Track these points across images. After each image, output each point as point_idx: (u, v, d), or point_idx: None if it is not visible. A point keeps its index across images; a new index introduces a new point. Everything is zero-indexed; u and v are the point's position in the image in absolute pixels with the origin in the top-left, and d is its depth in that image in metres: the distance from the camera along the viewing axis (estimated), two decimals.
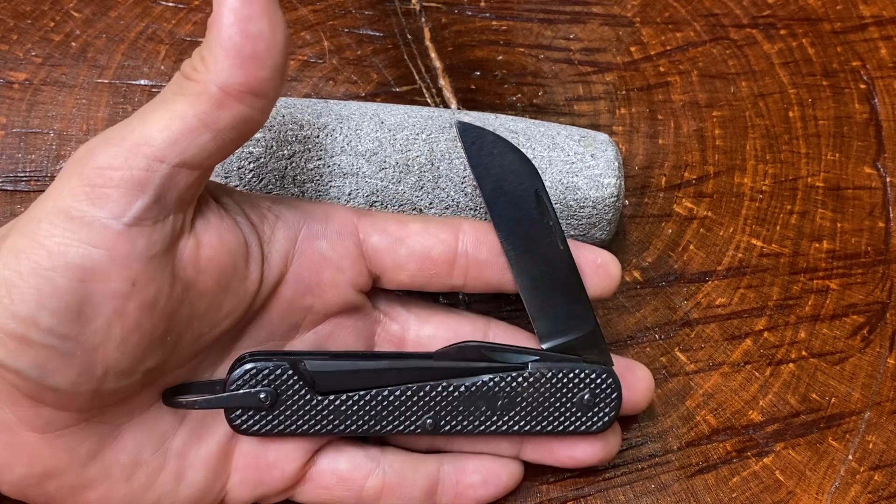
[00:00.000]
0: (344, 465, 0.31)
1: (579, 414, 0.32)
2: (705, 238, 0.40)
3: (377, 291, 0.33)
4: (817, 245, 0.41)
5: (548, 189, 0.35)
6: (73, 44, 0.40)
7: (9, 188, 0.37)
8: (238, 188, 0.33)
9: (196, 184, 0.27)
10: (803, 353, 0.38)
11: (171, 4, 0.42)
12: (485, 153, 0.32)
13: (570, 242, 0.32)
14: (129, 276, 0.26)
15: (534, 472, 0.34)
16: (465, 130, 0.32)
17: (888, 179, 0.43)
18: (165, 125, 0.26)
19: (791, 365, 0.38)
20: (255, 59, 0.26)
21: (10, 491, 0.28)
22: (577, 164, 0.35)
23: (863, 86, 0.45)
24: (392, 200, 0.34)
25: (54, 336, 0.25)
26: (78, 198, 0.25)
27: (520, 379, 0.31)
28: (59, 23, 0.40)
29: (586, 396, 0.31)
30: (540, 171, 0.34)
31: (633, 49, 0.45)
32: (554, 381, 0.31)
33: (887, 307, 0.40)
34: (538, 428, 0.31)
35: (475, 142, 0.32)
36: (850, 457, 0.36)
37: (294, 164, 0.33)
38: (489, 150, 0.32)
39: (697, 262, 0.40)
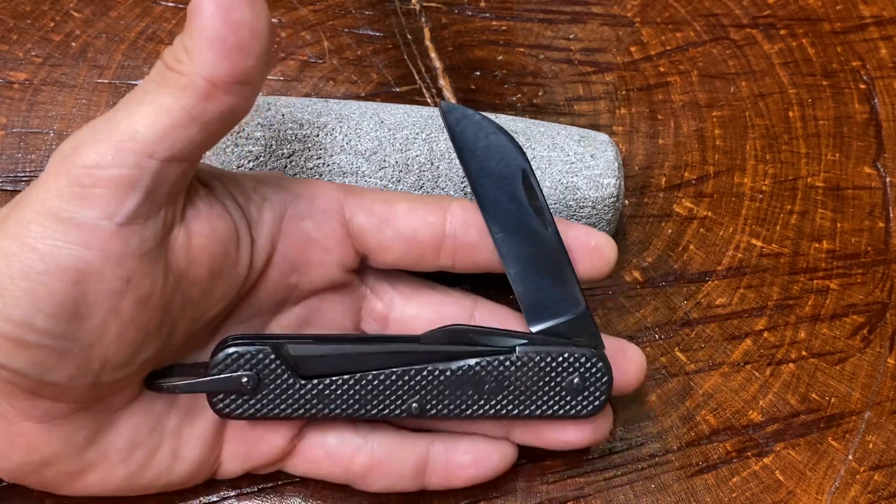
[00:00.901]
0: (332, 440, 0.31)
1: (569, 398, 0.31)
2: (705, 238, 0.40)
3: (365, 266, 0.33)
4: (817, 245, 0.41)
5: (547, 189, 0.35)
6: (73, 44, 0.40)
7: (9, 188, 0.37)
8: None
9: (185, 175, 0.27)
10: (803, 353, 0.38)
11: (171, 4, 0.42)
12: (469, 133, 0.31)
13: (564, 222, 0.32)
14: (124, 274, 0.26)
15: (534, 472, 0.35)
16: (449, 111, 0.31)
17: (888, 179, 0.43)
18: (152, 120, 0.25)
19: (791, 365, 0.38)
20: (240, 49, 0.25)
21: (8, 477, 0.29)
22: (576, 164, 0.35)
23: (863, 86, 0.45)
24: None
25: (50, 336, 0.25)
26: (66, 199, 0.25)
27: (507, 363, 0.30)
28: (59, 23, 0.41)
29: (576, 380, 0.31)
30: (539, 172, 0.34)
31: (633, 49, 0.45)
32: (542, 364, 0.31)
33: (887, 307, 0.40)
34: (527, 412, 0.31)
35: (459, 122, 0.31)
36: (850, 457, 0.36)
37: (293, 163, 0.33)
38: (474, 129, 0.31)
39: (697, 262, 0.40)
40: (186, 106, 0.25)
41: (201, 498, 0.32)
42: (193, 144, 0.26)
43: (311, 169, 0.33)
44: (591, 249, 0.32)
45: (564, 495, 0.34)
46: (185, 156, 0.26)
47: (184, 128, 0.26)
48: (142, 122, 0.25)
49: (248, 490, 0.33)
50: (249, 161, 0.33)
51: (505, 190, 0.31)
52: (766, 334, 0.38)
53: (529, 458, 0.35)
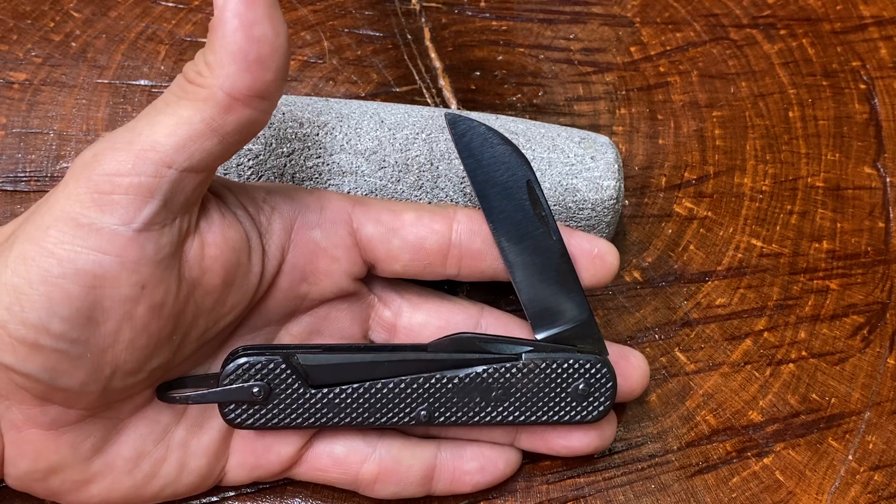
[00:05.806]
0: (340, 448, 0.32)
1: (574, 404, 0.32)
2: (705, 238, 0.40)
3: (373, 275, 0.33)
4: (817, 245, 0.41)
5: (547, 191, 0.35)
6: (73, 44, 0.40)
7: (9, 188, 0.37)
8: None
9: (201, 186, 0.27)
10: (803, 353, 0.38)
11: (171, 4, 0.42)
12: (475, 144, 0.31)
13: (566, 230, 0.32)
14: (139, 281, 0.26)
15: (534, 472, 0.34)
16: (455, 121, 0.31)
17: (888, 179, 0.43)
18: (172, 130, 0.26)
19: (791, 365, 0.38)
20: (260, 63, 0.26)
21: (15, 484, 0.29)
22: (576, 165, 0.35)
23: (863, 86, 0.45)
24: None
25: (65, 340, 0.26)
26: (86, 205, 0.25)
27: (514, 370, 0.31)
28: (59, 23, 0.41)
29: (581, 386, 0.31)
30: (539, 173, 0.34)
31: (633, 49, 0.45)
32: (548, 371, 0.31)
33: (887, 307, 0.40)
34: (533, 418, 0.31)
35: (465, 133, 0.31)
36: (850, 457, 0.36)
37: (293, 162, 0.33)
38: (479, 141, 0.31)
39: (697, 262, 0.40)
40: (206, 118, 0.26)
41: (200, 498, 0.32)
42: (211, 156, 0.27)
43: (310, 168, 0.33)
44: (593, 257, 0.32)
45: (564, 495, 0.34)
46: (202, 166, 0.27)
47: (203, 139, 0.26)
48: (162, 132, 0.26)
49: (248, 490, 0.33)
50: (249, 159, 0.33)
51: (510, 200, 0.32)
52: (766, 334, 0.38)
53: (529, 459, 0.35)
